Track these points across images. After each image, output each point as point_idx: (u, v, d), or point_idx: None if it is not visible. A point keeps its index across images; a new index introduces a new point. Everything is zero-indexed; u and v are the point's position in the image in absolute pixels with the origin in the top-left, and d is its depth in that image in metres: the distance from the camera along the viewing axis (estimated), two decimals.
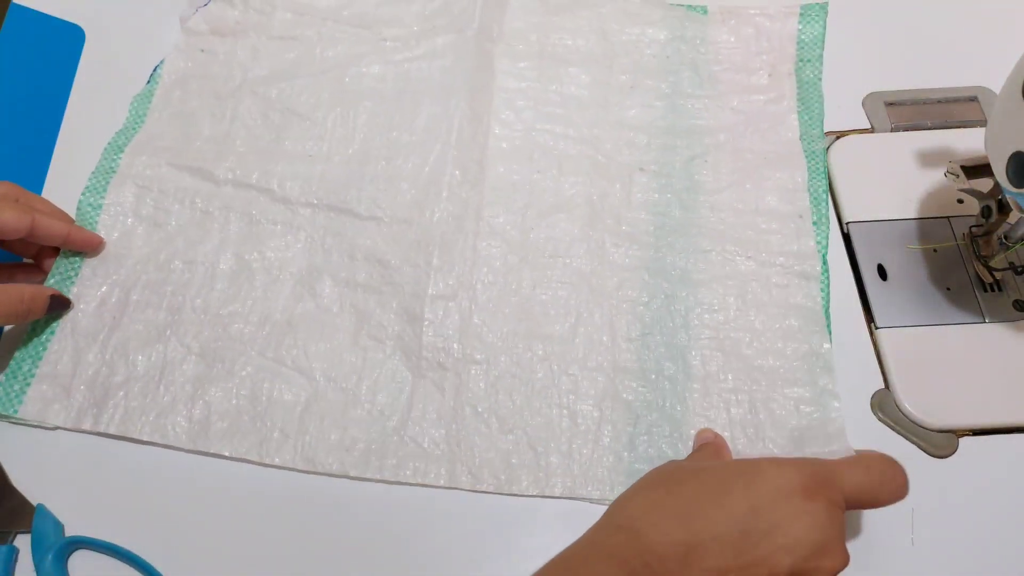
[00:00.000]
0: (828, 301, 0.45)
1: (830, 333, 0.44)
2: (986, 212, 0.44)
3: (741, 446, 0.42)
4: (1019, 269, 0.45)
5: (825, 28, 0.54)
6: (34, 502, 0.41)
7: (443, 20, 0.56)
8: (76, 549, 0.41)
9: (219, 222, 0.50)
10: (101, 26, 0.58)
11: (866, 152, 0.50)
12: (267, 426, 0.43)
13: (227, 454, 0.43)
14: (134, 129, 0.53)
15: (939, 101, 0.52)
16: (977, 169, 0.43)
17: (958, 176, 0.43)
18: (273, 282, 0.47)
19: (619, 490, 0.39)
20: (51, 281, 0.47)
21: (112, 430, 0.43)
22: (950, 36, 0.55)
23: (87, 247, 0.48)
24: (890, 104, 0.52)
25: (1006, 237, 0.43)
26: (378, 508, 0.42)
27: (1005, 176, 0.38)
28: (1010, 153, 0.38)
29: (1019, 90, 0.37)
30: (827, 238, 0.47)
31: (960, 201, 0.48)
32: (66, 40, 0.58)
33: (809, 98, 0.52)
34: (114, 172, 0.51)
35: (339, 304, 0.47)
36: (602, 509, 0.35)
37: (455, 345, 0.45)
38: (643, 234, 0.48)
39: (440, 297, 0.46)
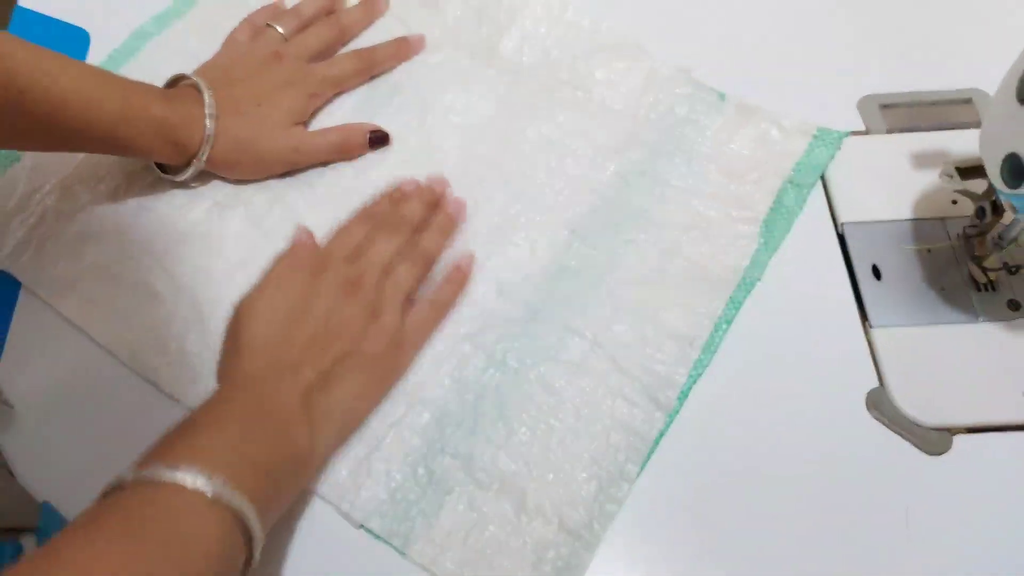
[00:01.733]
0: (659, 439, 0.42)
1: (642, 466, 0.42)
2: (980, 213, 0.44)
3: None
4: (1013, 269, 0.46)
5: (833, 156, 0.50)
6: (39, 500, 0.42)
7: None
8: None
9: None
10: (105, 29, 0.58)
11: (861, 154, 0.51)
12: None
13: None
14: (171, 18, 0.58)
15: (934, 103, 0.52)
16: (972, 171, 0.43)
17: (953, 177, 0.44)
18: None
19: None
20: None
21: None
22: (945, 38, 0.55)
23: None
24: (885, 106, 0.52)
25: (1000, 238, 0.44)
26: None
27: (999, 177, 0.39)
28: (1004, 155, 0.38)
29: (1013, 92, 0.37)
30: (704, 368, 0.44)
31: (955, 202, 0.48)
32: (71, 42, 0.58)
33: (776, 225, 0.48)
34: (133, 56, 0.56)
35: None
36: None
37: None
38: (523, 286, 0.47)
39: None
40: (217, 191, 0.51)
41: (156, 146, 0.47)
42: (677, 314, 0.46)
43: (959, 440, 0.42)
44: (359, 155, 0.52)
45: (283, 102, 0.51)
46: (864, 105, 0.53)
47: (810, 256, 0.48)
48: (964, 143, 0.50)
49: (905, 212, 0.48)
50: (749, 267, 0.47)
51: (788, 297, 0.46)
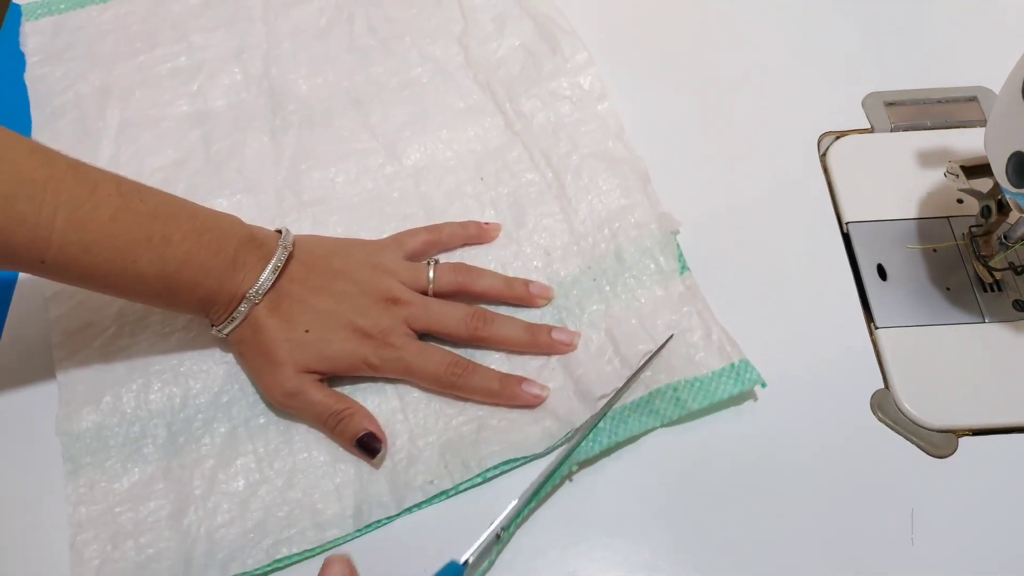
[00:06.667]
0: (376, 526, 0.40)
1: None
2: (986, 212, 0.44)
3: None
4: (1019, 269, 0.45)
5: (735, 396, 0.42)
6: None
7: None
8: None
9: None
10: None
11: (866, 152, 0.50)
12: None
13: None
14: None
15: (939, 101, 0.52)
16: (977, 169, 0.43)
17: (958, 176, 0.43)
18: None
19: None
20: None
21: None
22: (950, 36, 0.55)
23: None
24: (890, 104, 0.52)
25: (1006, 237, 0.43)
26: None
27: (1005, 176, 0.38)
28: (1010, 153, 0.38)
29: (1019, 90, 0.37)
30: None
31: (960, 201, 0.48)
32: None
33: (624, 423, 0.42)
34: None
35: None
36: None
37: None
38: None
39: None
40: None
41: (188, 311, 0.42)
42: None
43: (965, 442, 0.42)
44: (338, 441, 0.42)
45: (333, 346, 0.41)
46: (869, 102, 0.52)
47: (815, 256, 0.47)
48: (969, 141, 0.50)
49: (910, 211, 0.48)
50: (563, 459, 0.40)
51: (792, 297, 0.46)
